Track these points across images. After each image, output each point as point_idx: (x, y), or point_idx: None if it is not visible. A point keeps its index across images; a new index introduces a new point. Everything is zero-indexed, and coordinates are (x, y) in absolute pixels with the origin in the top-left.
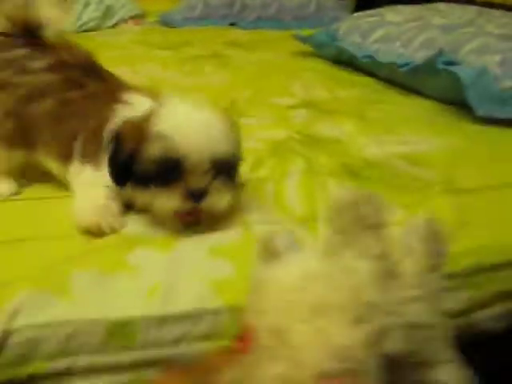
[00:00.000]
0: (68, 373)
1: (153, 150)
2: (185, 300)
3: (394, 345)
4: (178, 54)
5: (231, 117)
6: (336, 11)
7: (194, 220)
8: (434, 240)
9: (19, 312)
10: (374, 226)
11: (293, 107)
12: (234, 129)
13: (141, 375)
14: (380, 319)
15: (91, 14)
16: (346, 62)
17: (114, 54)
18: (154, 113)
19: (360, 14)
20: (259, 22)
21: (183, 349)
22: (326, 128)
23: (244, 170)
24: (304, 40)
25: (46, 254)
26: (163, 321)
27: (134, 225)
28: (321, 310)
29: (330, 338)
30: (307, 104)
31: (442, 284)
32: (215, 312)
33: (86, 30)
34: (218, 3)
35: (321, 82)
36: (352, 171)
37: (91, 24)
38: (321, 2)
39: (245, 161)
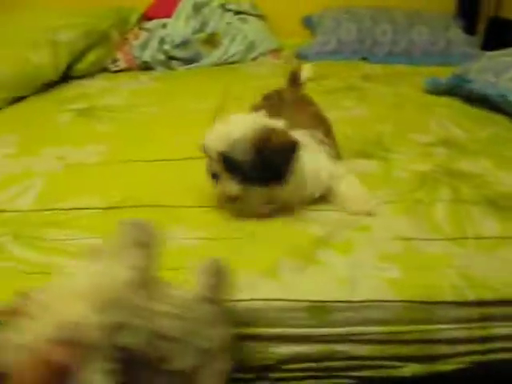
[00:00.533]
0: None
1: None
2: (366, 292)
3: (132, 341)
4: (318, 87)
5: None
6: (465, 47)
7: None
8: (215, 276)
9: (244, 288)
10: (143, 246)
11: (432, 145)
12: (249, 143)
13: (329, 348)
14: (123, 316)
15: (236, 47)
16: (478, 100)
17: (258, 84)
18: None
19: (493, 53)
20: (389, 57)
21: (363, 330)
22: (465, 164)
23: (400, 192)
24: (434, 85)
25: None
26: (350, 306)
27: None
28: (68, 297)
29: (64, 316)
30: (445, 142)
31: (212, 314)
32: (390, 303)
33: (231, 62)
34: (350, 39)
35: (455, 119)
36: (492, 201)
37: (236, 57)
38: (450, 38)
39: (395, 187)
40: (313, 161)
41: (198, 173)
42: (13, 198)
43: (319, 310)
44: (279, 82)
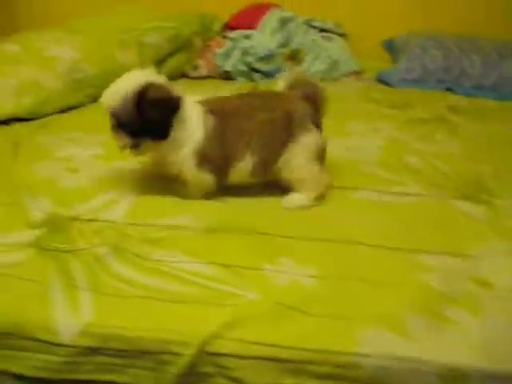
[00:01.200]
0: None
1: None
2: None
3: None
4: (404, 115)
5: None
6: None
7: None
8: None
9: (368, 343)
10: None
11: None
12: (129, 98)
13: None
14: None
15: (319, 66)
16: None
17: (344, 106)
18: None
19: None
20: (476, 90)
21: None
22: None
23: None
24: None
25: (382, 297)
26: (492, 376)
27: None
28: None
29: None
30: None
31: None
32: None
33: None
34: (436, 67)
35: None
36: None
37: (318, 75)
38: None
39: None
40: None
41: None
42: (105, 205)
43: (454, 376)
44: (360, 105)
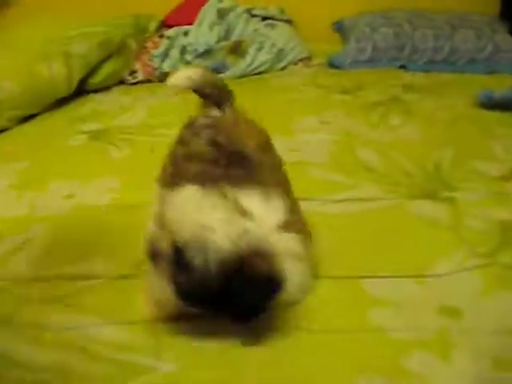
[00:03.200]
0: None
1: None
2: None
3: None
4: (356, 99)
5: None
6: None
7: None
8: None
9: None
10: None
11: (503, 178)
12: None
13: None
14: None
15: (264, 56)
16: None
17: (290, 97)
18: None
19: None
20: (430, 65)
21: None
22: None
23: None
24: (488, 98)
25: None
26: None
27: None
28: None
29: None
30: None
31: None
32: None
33: (259, 73)
34: (388, 46)
35: None
36: None
37: (263, 67)
38: (497, 42)
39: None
40: None
41: None
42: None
43: None
44: (308, 94)
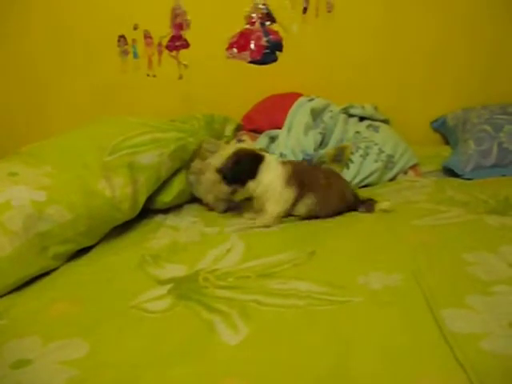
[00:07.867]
0: None
1: None
2: None
3: None
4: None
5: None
6: None
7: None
8: None
9: None
10: None
11: None
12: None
13: None
14: None
15: (372, 165)
16: None
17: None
18: None
19: None
20: None
21: None
22: None
23: None
24: None
25: None
26: None
27: None
28: None
29: None
30: None
31: None
32: None
33: (365, 185)
34: None
35: None
36: None
37: (372, 178)
38: None
39: None
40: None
41: None
42: None
43: None
44: (461, 217)
